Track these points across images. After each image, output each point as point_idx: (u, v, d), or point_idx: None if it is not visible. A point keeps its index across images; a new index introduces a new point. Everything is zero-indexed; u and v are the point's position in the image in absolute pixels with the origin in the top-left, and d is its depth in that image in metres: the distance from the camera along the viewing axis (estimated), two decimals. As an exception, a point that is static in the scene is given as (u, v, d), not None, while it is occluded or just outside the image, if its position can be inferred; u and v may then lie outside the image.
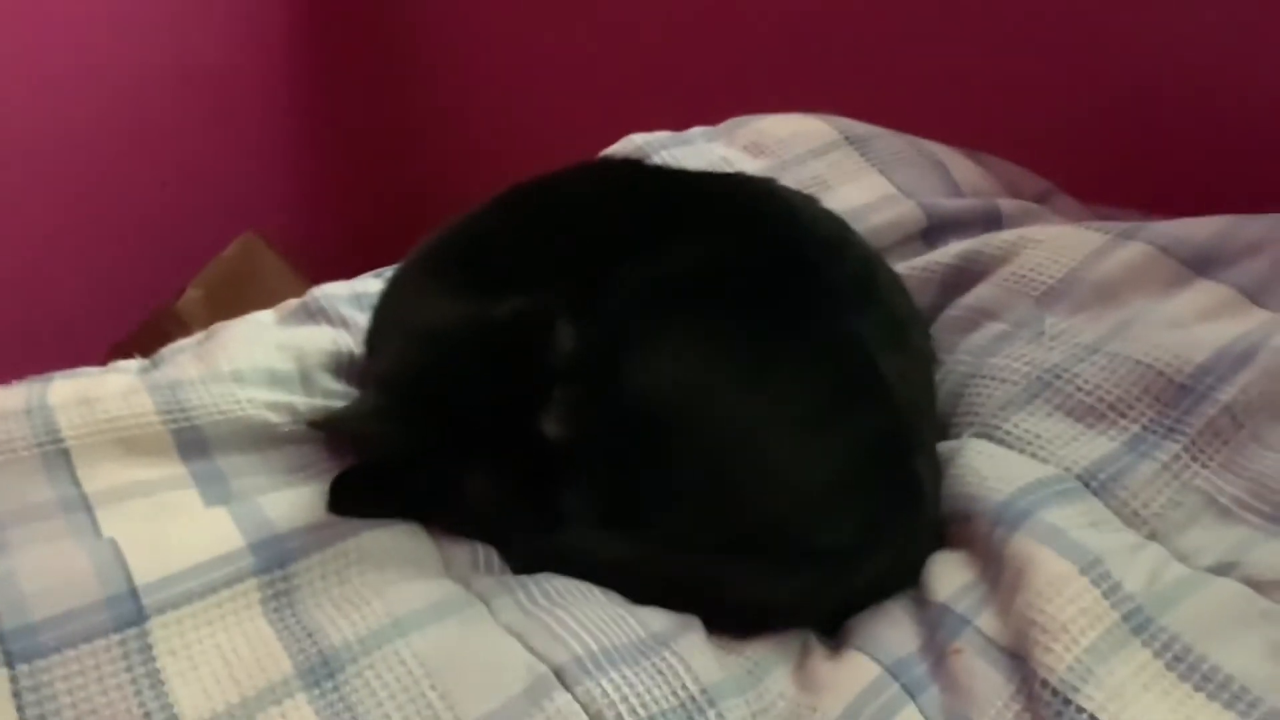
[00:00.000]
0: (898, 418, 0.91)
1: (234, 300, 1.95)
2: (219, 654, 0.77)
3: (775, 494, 0.87)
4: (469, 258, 1.03)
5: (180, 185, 2.13)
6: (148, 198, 2.08)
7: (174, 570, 0.81)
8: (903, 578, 0.88)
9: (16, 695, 0.72)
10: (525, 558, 0.89)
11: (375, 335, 1.04)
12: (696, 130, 1.36)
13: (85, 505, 0.89)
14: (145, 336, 1.93)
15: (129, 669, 0.74)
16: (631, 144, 1.31)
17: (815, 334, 0.92)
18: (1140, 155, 1.51)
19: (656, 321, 0.92)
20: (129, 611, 0.77)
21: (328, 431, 0.95)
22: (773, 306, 0.92)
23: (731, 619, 0.85)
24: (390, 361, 0.96)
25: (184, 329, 1.91)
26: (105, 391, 0.98)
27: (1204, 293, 1.04)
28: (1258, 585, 0.82)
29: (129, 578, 0.79)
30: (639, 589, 0.85)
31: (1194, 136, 1.48)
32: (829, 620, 0.87)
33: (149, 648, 0.76)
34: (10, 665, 0.73)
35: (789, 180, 1.21)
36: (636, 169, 1.15)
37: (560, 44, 2.05)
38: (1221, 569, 0.84)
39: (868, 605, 0.87)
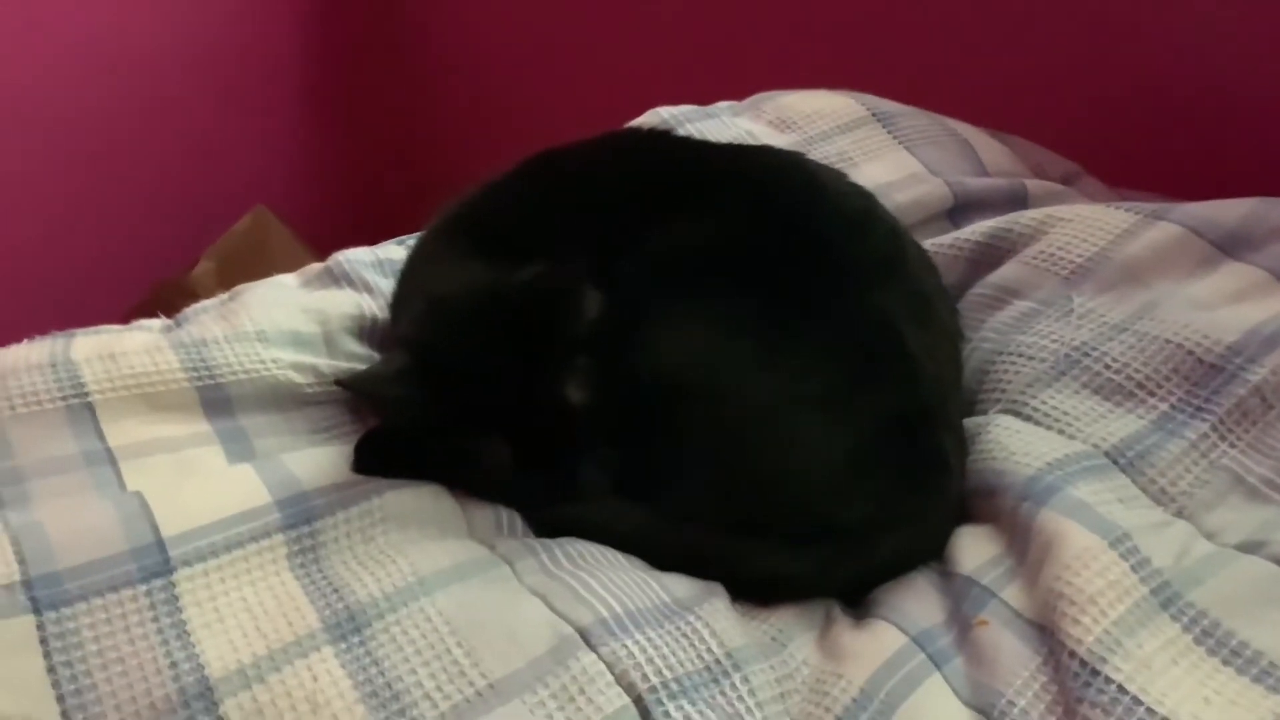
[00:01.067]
0: (922, 392, 0.91)
1: (245, 272, 1.94)
2: (245, 607, 0.76)
3: (795, 468, 0.87)
4: (492, 224, 1.03)
5: (192, 159, 2.13)
6: (161, 172, 2.08)
7: (200, 524, 0.80)
8: (925, 551, 0.88)
9: (44, 642, 0.72)
10: (546, 524, 0.89)
11: (399, 300, 1.04)
12: (722, 105, 1.36)
13: (110, 459, 0.89)
14: (157, 306, 1.93)
15: (155, 619, 0.74)
16: (657, 117, 1.31)
17: (839, 308, 0.91)
18: (1166, 139, 1.50)
19: (678, 294, 0.92)
20: (155, 563, 0.77)
21: (352, 391, 0.95)
22: (796, 280, 0.92)
23: (750, 590, 0.85)
24: (413, 325, 0.95)
25: (195, 299, 1.91)
26: (129, 347, 0.97)
27: (1233, 274, 1.04)
28: (1285, 564, 0.81)
29: (155, 529, 0.79)
30: (657, 558, 0.85)
31: (1220, 120, 1.48)
32: (852, 590, 0.87)
33: (175, 599, 0.76)
34: (37, 612, 0.73)
35: (814, 156, 1.20)
36: (663, 139, 1.14)
37: (581, 17, 2.04)
38: (1249, 547, 0.84)
39: (890, 578, 0.87)
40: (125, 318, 1.76)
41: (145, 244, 2.09)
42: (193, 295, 1.92)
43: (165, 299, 1.98)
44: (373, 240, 1.22)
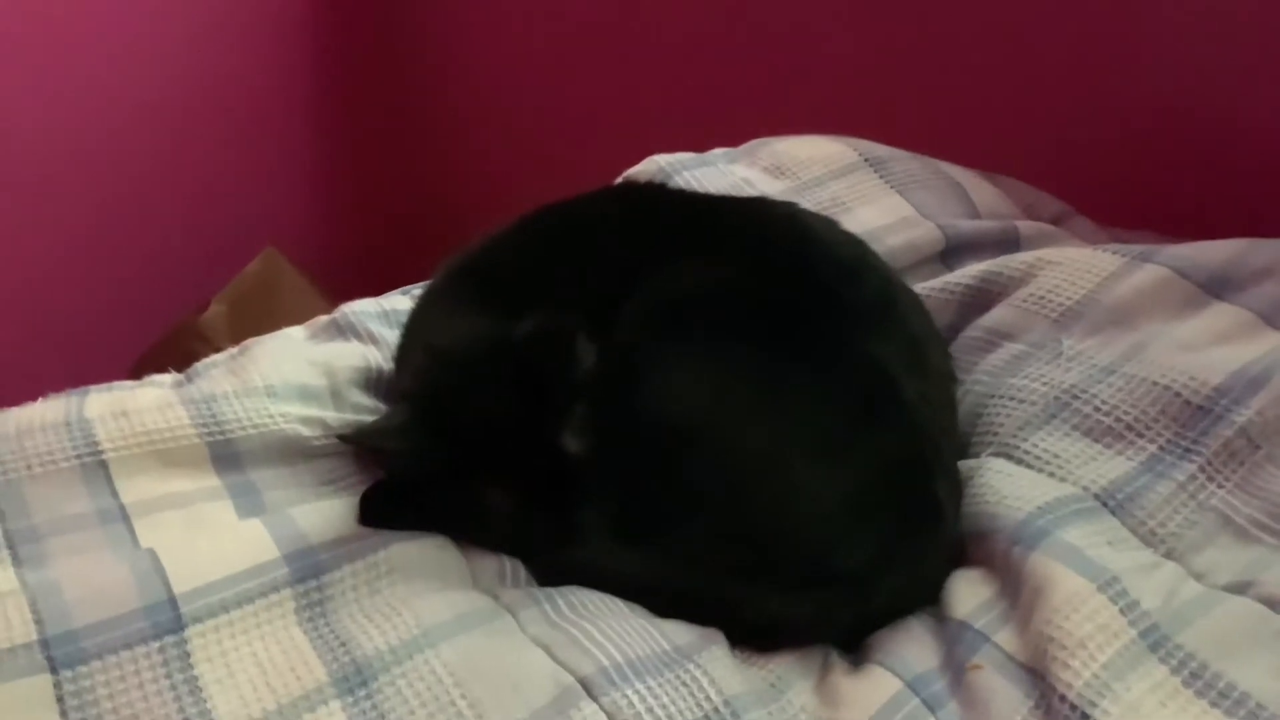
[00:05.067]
0: (917, 438, 0.92)
1: (256, 314, 1.98)
2: (255, 662, 0.78)
3: (792, 515, 0.88)
4: (492, 277, 1.06)
5: (202, 202, 2.15)
6: (171, 214, 2.10)
7: (211, 580, 0.83)
8: (921, 596, 0.90)
9: (60, 700, 0.74)
10: (548, 571, 0.91)
11: (403, 352, 1.07)
12: (718, 152, 1.38)
13: (123, 516, 0.91)
14: (169, 350, 1.96)
15: (168, 675, 0.76)
16: (654, 164, 1.33)
17: (834, 355, 0.93)
18: (1155, 178, 1.52)
19: (675, 342, 0.94)
20: (168, 620, 0.79)
21: (355, 445, 0.97)
22: (792, 328, 0.94)
23: (748, 636, 0.87)
24: (414, 378, 0.98)
25: (207, 343, 1.93)
26: (141, 404, 1.00)
27: (1219, 315, 1.05)
28: (1273, 604, 0.83)
29: (168, 586, 0.81)
30: (657, 605, 0.87)
31: (1208, 159, 1.50)
32: (849, 636, 0.89)
33: (187, 655, 0.78)
34: (54, 671, 0.75)
35: (808, 201, 1.23)
36: (659, 193, 1.17)
37: (582, 66, 2.07)
38: (1237, 588, 0.85)
39: (887, 623, 0.88)
40: (139, 362, 1.79)
41: (155, 287, 2.11)
42: (204, 339, 1.96)
43: (178, 343, 2.02)
44: (383, 280, 1.24)
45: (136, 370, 1.14)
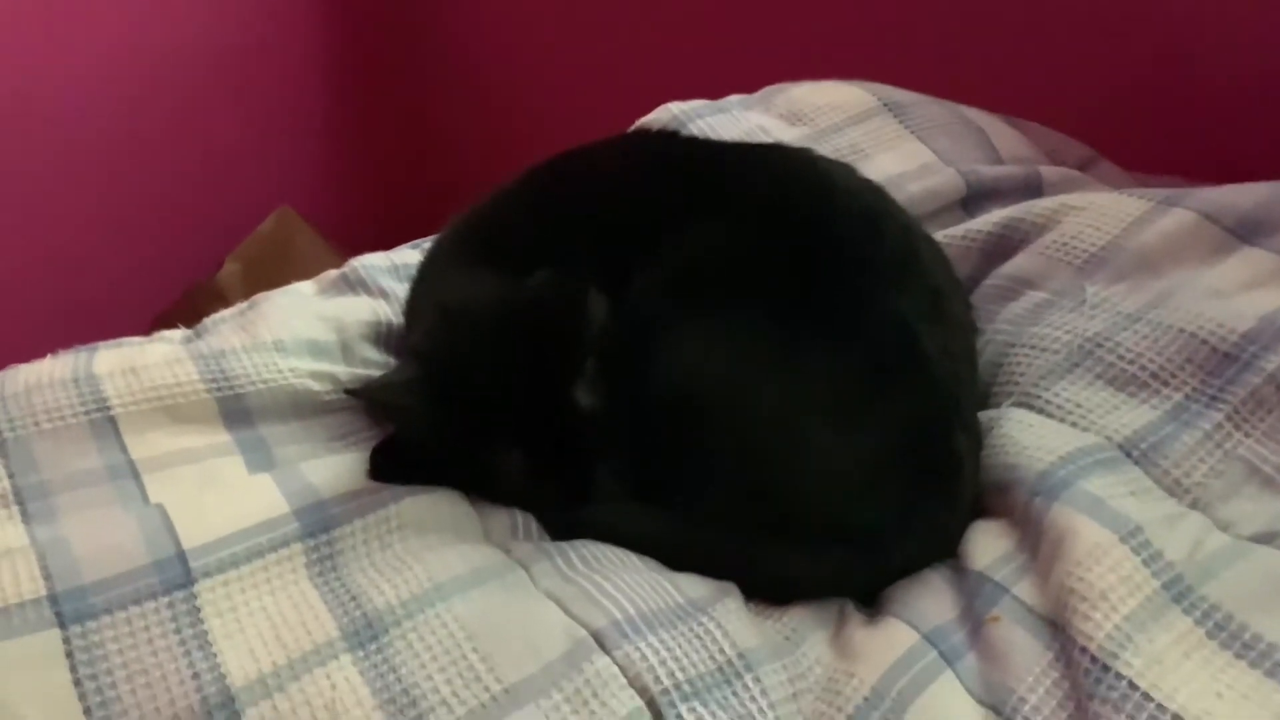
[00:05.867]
0: (937, 393, 0.90)
1: (270, 273, 1.97)
2: (265, 616, 0.78)
3: (810, 475, 0.87)
4: (502, 231, 1.04)
5: (215, 162, 2.15)
6: (185, 173, 2.11)
7: (220, 535, 0.82)
8: (940, 551, 0.89)
9: (70, 655, 0.74)
10: (561, 526, 0.90)
11: (412, 308, 1.06)
12: (733, 99, 1.36)
13: (133, 472, 0.90)
14: (185, 309, 1.96)
15: (178, 630, 0.76)
16: (668, 113, 1.31)
17: (853, 310, 0.91)
18: (1183, 121, 1.49)
19: (691, 302, 0.92)
20: (177, 575, 0.79)
21: (364, 400, 0.96)
22: (809, 282, 0.92)
23: (766, 592, 0.86)
24: (423, 334, 0.97)
25: (222, 301, 1.92)
26: (150, 360, 0.99)
27: (1249, 261, 1.02)
28: (1301, 555, 0.81)
29: (177, 542, 0.81)
30: (672, 559, 0.86)
31: (1238, 101, 1.46)
32: (866, 591, 0.88)
33: (197, 610, 0.77)
34: (63, 626, 0.75)
35: (826, 149, 1.20)
36: (671, 141, 1.14)
37: (597, 14, 2.04)
38: (1264, 538, 0.84)
39: (904, 577, 0.87)
40: (155, 322, 1.78)
41: (171, 248, 2.12)
42: (221, 298, 1.96)
43: (193, 303, 2.02)
44: (396, 238, 1.23)
45: (155, 328, 1.13)
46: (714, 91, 1.37)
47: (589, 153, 1.07)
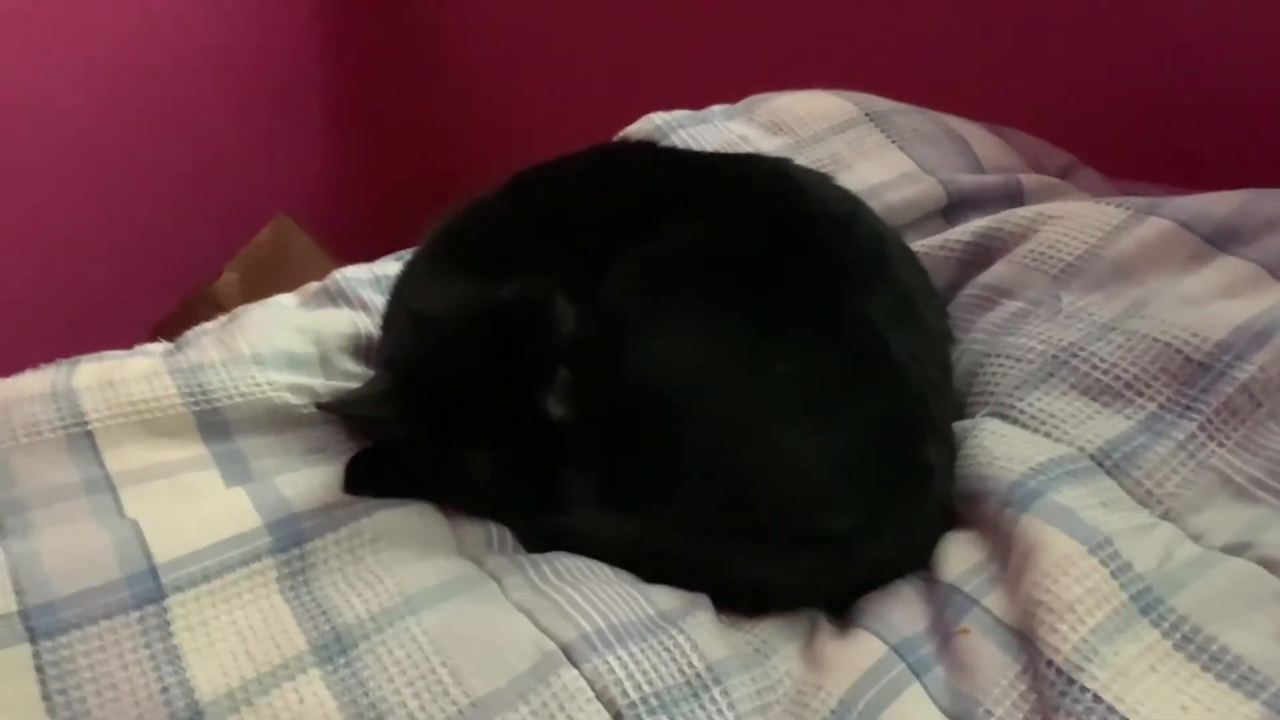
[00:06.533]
0: (907, 399, 0.91)
1: (269, 282, 1.97)
2: (235, 631, 0.78)
3: (779, 477, 0.87)
4: (477, 241, 1.04)
5: (214, 170, 2.15)
6: (183, 182, 2.11)
7: (193, 549, 0.82)
8: (911, 559, 0.89)
9: (39, 670, 0.74)
10: (534, 537, 0.90)
11: (388, 318, 1.06)
12: (715, 109, 1.36)
13: (109, 486, 0.91)
14: (183, 318, 1.96)
15: (148, 645, 0.76)
16: (650, 123, 1.31)
17: (821, 313, 0.92)
18: (1163, 127, 1.48)
19: (657, 302, 0.92)
20: (148, 589, 0.79)
21: (335, 414, 0.96)
22: (777, 285, 0.92)
23: (734, 600, 0.86)
24: (395, 344, 0.97)
25: (221, 310, 1.93)
26: (128, 374, 1.00)
27: (1224, 269, 1.02)
28: (1271, 565, 0.81)
29: (148, 556, 0.81)
30: (642, 569, 0.86)
31: (1216, 106, 1.46)
32: (837, 599, 0.88)
33: (167, 624, 0.78)
34: (33, 641, 0.75)
35: (808, 158, 1.21)
36: (647, 150, 1.15)
37: (581, 25, 2.05)
38: (1235, 549, 0.84)
39: (875, 586, 0.87)
40: (153, 331, 1.80)
41: (169, 257, 2.12)
42: (218, 307, 1.96)
43: (191, 312, 2.02)
44: (395, 247, 1.23)
45: (153, 338, 1.14)
46: (699, 98, 1.37)
47: (566, 163, 1.07)
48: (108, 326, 1.81)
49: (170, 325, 1.83)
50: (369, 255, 1.24)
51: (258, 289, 2.00)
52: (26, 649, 0.75)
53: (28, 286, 1.90)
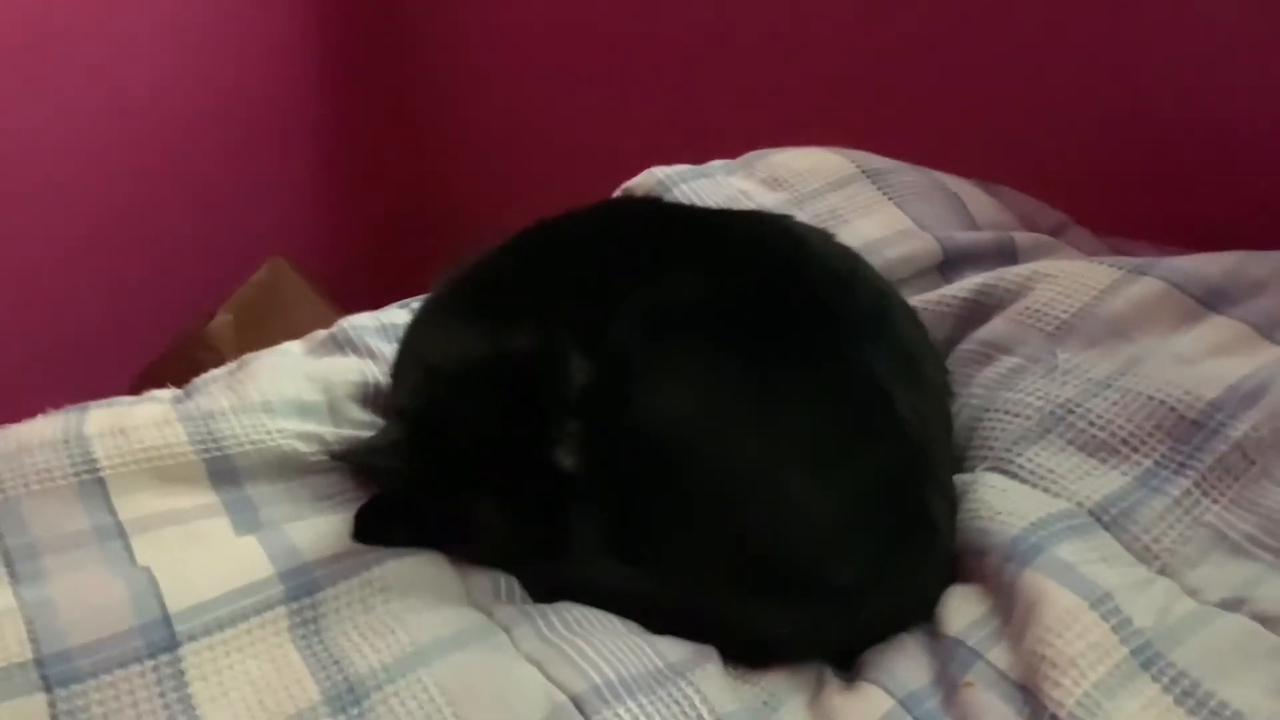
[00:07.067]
0: (911, 453, 0.92)
1: (262, 324, 1.99)
2: (249, 680, 0.79)
3: (783, 529, 0.88)
4: (487, 292, 1.06)
5: (208, 211, 2.16)
6: (177, 223, 2.11)
7: (206, 598, 0.83)
8: (914, 612, 0.90)
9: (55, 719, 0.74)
10: (543, 587, 0.91)
11: (398, 367, 1.07)
12: (716, 164, 1.38)
13: (120, 533, 0.91)
14: (176, 360, 1.97)
15: (162, 694, 0.77)
16: (653, 177, 1.34)
17: (825, 367, 0.93)
18: (1155, 187, 1.52)
19: (662, 354, 0.94)
20: (162, 638, 0.80)
21: (346, 464, 0.97)
22: (782, 339, 0.94)
23: (739, 651, 0.87)
24: (407, 395, 0.98)
25: (214, 352, 1.94)
26: (139, 421, 1.00)
27: (1216, 328, 1.05)
28: (1266, 621, 0.83)
29: (162, 605, 0.82)
30: (648, 620, 0.87)
31: (1209, 168, 1.49)
32: (842, 653, 0.89)
33: (181, 674, 0.78)
34: (49, 690, 0.76)
35: (806, 214, 1.23)
36: (653, 206, 1.17)
37: (585, 78, 2.08)
38: (1231, 604, 0.85)
39: (879, 639, 0.88)
40: (145, 371, 1.80)
41: (162, 296, 2.12)
42: (212, 348, 1.97)
43: (185, 353, 2.03)
44: (390, 289, 1.24)
45: (143, 379, 1.14)
46: (699, 156, 1.40)
47: (574, 217, 1.09)
48: (100, 366, 1.81)
49: (163, 366, 1.84)
50: (364, 297, 1.26)
51: (252, 331, 2.01)
52: (42, 698, 0.75)
53: (18, 325, 1.90)
